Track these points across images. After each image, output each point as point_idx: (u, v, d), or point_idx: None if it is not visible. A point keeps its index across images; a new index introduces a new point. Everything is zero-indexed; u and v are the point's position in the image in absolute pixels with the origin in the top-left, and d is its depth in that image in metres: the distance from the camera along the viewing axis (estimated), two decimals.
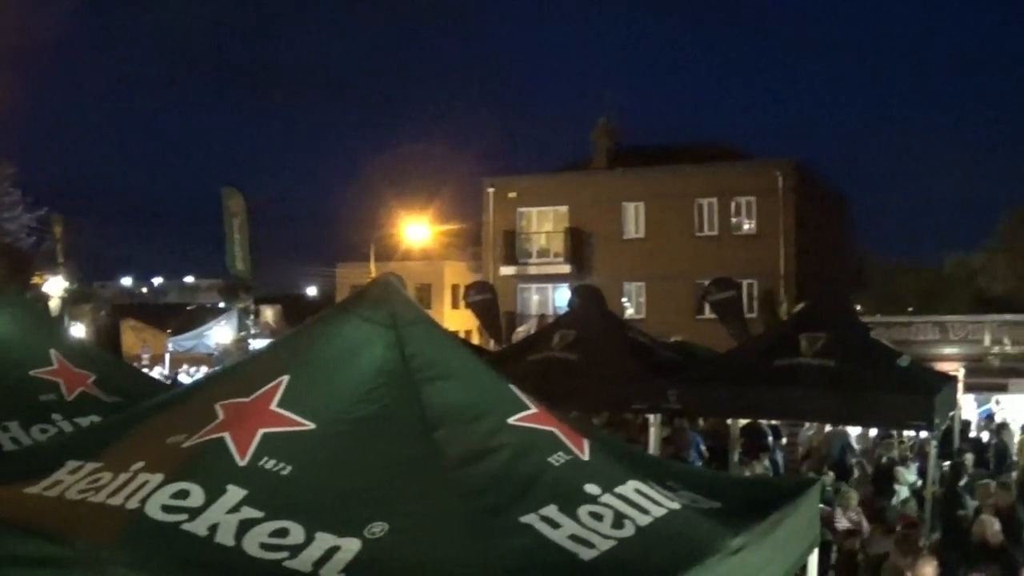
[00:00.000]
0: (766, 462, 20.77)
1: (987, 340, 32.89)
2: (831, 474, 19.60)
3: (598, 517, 4.59)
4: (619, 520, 4.64)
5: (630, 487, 4.94)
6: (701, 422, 24.24)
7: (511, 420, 5.05)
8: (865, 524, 15.54)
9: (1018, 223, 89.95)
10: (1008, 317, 37.46)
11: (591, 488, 4.79)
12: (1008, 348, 32.55)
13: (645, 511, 4.80)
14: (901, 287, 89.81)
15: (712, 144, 56.19)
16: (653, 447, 16.13)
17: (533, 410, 5.19)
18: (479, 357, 5.70)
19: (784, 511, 5.76)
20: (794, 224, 49.35)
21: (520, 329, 41.61)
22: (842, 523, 15.63)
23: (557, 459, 4.91)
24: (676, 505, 5.00)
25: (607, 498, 4.77)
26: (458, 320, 55.63)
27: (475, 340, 40.26)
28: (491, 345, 31.05)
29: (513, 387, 5.32)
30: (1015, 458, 22.42)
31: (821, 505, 16.18)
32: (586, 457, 5.02)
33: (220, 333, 49.26)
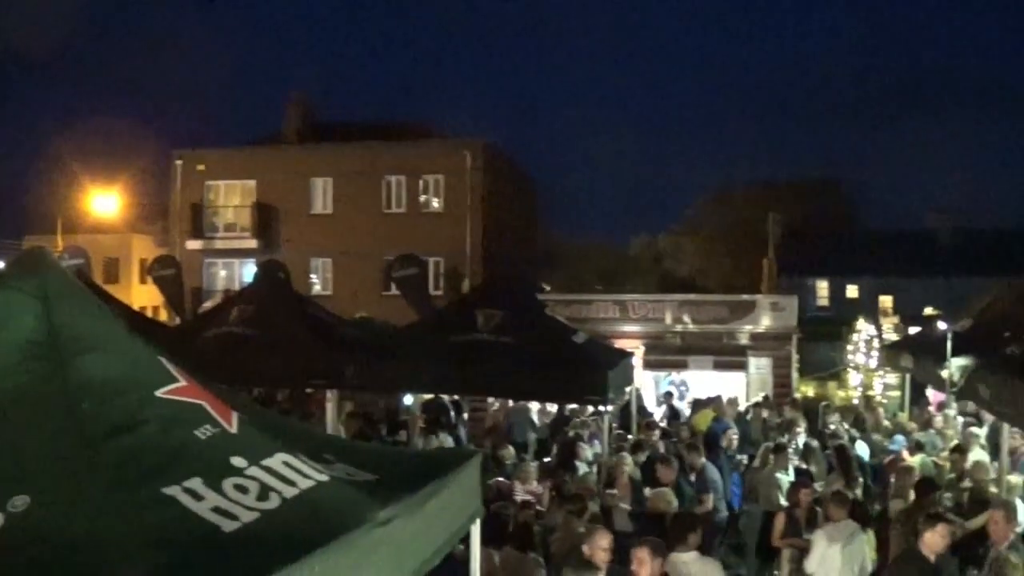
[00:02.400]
0: (448, 437, 21.02)
1: (668, 319, 33.70)
2: (511, 448, 19.92)
3: (243, 490, 4.57)
4: (264, 492, 4.63)
5: (278, 459, 4.93)
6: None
7: (159, 393, 4.97)
8: (546, 497, 15.89)
9: (703, 208, 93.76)
10: (691, 297, 38.69)
11: (238, 461, 4.76)
12: (690, 327, 33.46)
13: (292, 483, 4.80)
14: (588, 267, 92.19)
15: (402, 122, 56.51)
16: (331, 423, 16.16)
17: (182, 383, 5.13)
18: (132, 330, 5.59)
19: (441, 483, 5.84)
20: (481, 203, 50.08)
21: (207, 305, 41.03)
22: (521, 495, 15.96)
23: (204, 432, 4.86)
24: (325, 477, 5.00)
25: (253, 470, 4.75)
26: (146, 295, 54.72)
27: (162, 316, 39.65)
28: (176, 321, 30.61)
29: (164, 360, 5.26)
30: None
31: (501, 479, 16.54)
32: (234, 430, 4.98)
33: None
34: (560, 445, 20.45)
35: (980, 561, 11.06)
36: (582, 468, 18.28)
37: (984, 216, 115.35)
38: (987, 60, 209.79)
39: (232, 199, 54.07)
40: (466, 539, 7.14)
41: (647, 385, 29.22)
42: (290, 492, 4.74)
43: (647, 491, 14.96)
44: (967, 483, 15.99)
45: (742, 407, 25.31)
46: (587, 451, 19.20)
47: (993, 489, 15.40)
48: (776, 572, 14.89)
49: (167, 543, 4.10)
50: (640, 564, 9.44)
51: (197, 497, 4.42)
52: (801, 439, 19.86)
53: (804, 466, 17.84)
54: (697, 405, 25.96)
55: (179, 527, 4.23)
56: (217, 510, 4.36)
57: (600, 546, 10.11)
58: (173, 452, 4.67)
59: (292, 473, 4.89)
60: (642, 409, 24.13)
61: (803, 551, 13.23)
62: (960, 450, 17.52)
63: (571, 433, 21.14)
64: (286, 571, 4.03)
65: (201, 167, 53.55)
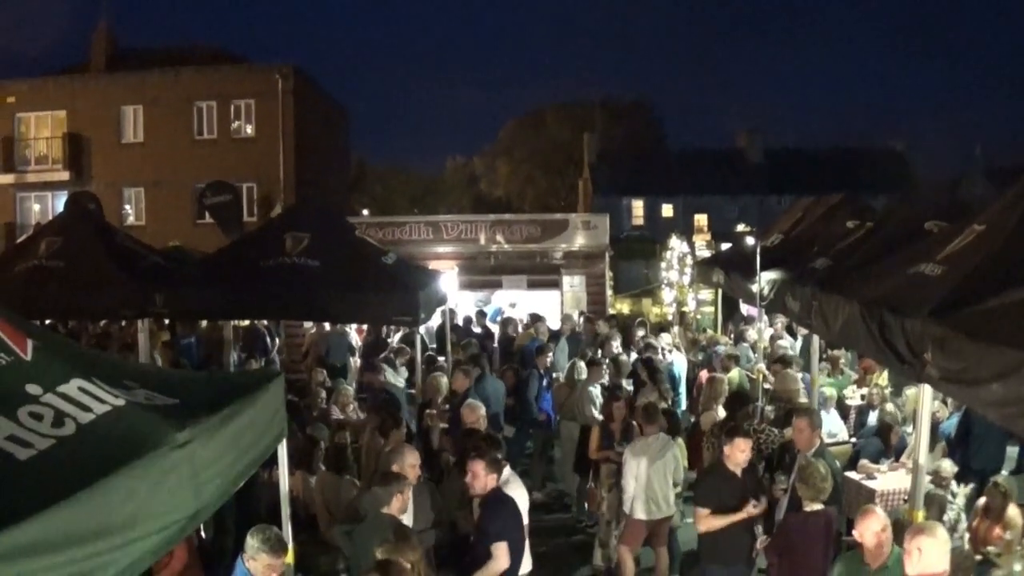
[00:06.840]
0: (264, 363, 20.94)
1: (482, 239, 33.64)
2: (324, 372, 19.91)
3: (38, 417, 4.53)
4: (59, 419, 4.60)
5: (73, 385, 4.89)
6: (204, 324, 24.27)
7: None
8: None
9: (515, 130, 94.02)
10: (504, 216, 38.60)
11: (32, 388, 4.71)
12: (504, 246, 33.43)
13: (87, 408, 4.78)
14: (402, 190, 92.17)
15: (211, 47, 55.55)
16: (143, 352, 16.01)
17: None
18: None
19: (240, 405, 5.86)
20: (293, 128, 49.48)
21: (21, 240, 40.19)
22: (339, 417, 16.07)
23: None
24: (121, 402, 4.98)
25: (48, 397, 4.71)
26: None
27: None
28: None
29: None
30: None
31: (319, 402, 16.53)
32: (28, 357, 4.91)
33: None
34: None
35: (788, 468, 11.36)
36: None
37: (792, 136, 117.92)
38: None
39: (43, 131, 52.48)
40: (273, 460, 7.14)
41: (464, 305, 29.27)
42: (86, 418, 4.72)
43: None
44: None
45: (555, 325, 25.43)
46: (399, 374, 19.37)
47: (803, 399, 15.76)
48: (590, 485, 15.09)
49: None
50: (474, 478, 9.66)
51: None
52: (615, 353, 20.05)
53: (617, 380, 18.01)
54: (506, 323, 26.08)
55: None
56: (12, 438, 4.32)
57: (409, 463, 10.22)
58: None
59: (88, 399, 4.86)
60: (456, 328, 24.18)
61: (619, 464, 13.44)
62: (783, 361, 17.87)
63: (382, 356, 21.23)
64: (80, 496, 4.02)
65: (11, 99, 51.78)
